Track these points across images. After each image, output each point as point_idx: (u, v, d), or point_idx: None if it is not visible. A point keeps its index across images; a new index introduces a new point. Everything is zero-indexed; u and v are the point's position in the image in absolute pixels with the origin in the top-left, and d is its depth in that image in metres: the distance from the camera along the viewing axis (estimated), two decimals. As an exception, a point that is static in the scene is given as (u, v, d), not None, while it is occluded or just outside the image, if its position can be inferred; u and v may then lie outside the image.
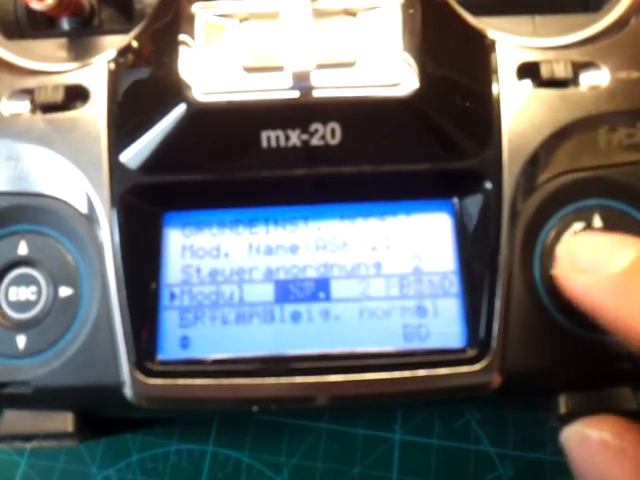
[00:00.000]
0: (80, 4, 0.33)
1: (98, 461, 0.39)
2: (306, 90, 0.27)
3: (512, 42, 0.31)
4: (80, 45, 0.33)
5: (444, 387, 0.28)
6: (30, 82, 0.31)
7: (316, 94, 0.28)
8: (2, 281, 0.30)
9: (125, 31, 0.32)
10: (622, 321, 0.24)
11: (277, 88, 0.28)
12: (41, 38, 0.33)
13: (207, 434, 0.39)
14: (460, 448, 0.38)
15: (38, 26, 0.34)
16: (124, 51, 0.31)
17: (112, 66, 0.31)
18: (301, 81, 0.27)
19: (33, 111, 0.31)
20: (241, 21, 0.30)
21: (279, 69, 0.28)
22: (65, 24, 0.34)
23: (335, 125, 0.28)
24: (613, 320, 0.25)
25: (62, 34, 0.34)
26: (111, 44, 0.32)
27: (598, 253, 0.25)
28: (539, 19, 0.32)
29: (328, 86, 0.28)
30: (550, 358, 0.28)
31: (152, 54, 0.31)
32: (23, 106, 0.31)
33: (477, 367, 0.28)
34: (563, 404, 0.29)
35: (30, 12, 0.33)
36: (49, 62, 0.32)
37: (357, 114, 0.28)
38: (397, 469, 0.38)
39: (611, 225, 0.30)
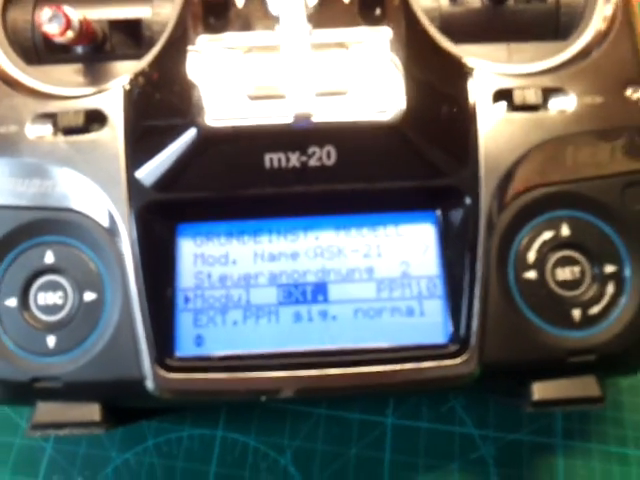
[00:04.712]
0: (95, 33, 0.35)
1: (117, 446, 0.42)
2: (305, 120, 0.30)
3: (488, 69, 0.34)
4: (95, 70, 0.35)
5: (429, 378, 0.32)
6: (51, 107, 0.34)
7: (313, 120, 0.31)
8: (31, 287, 0.33)
9: (136, 56, 0.35)
10: None
11: (279, 115, 0.31)
12: (58, 63, 0.36)
13: (216, 420, 0.42)
14: (446, 430, 0.42)
15: (54, 51, 0.36)
16: (137, 78, 0.34)
17: (127, 92, 0.34)
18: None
19: (55, 134, 0.33)
20: (245, 52, 0.32)
21: (280, 97, 0.31)
22: (79, 49, 0.36)
23: (330, 148, 0.31)
24: None
25: (77, 59, 0.36)
26: (123, 69, 0.35)
27: None
28: (514, 46, 0.35)
29: (324, 113, 0.31)
30: (523, 351, 0.32)
31: (163, 81, 0.33)
32: (46, 129, 0.34)
33: (458, 360, 0.31)
34: (535, 392, 0.32)
35: (47, 38, 0.36)
36: (68, 87, 0.35)
37: (350, 138, 0.31)
38: (389, 450, 0.41)
39: (577, 233, 0.33)
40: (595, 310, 0.32)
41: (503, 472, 0.40)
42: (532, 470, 0.41)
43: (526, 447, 0.41)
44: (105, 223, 0.33)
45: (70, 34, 0.33)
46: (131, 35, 0.36)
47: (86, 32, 0.34)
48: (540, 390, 0.32)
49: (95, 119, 0.34)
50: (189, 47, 0.33)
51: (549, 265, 0.33)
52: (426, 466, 0.41)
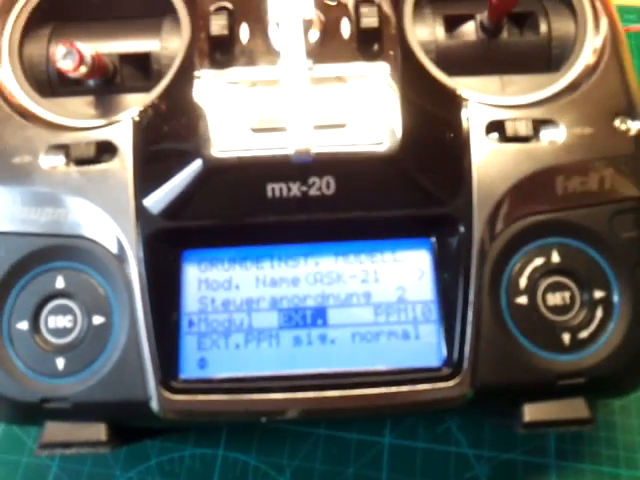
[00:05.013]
0: (106, 67, 0.37)
1: (121, 464, 0.43)
2: (305, 155, 0.31)
3: (482, 100, 0.36)
4: (106, 102, 0.37)
5: (423, 400, 0.33)
6: (64, 138, 0.35)
7: (313, 152, 0.32)
8: (42, 311, 0.34)
9: (145, 89, 0.37)
10: None
11: (280, 147, 0.32)
12: (71, 95, 0.38)
13: (218, 440, 0.43)
14: (442, 450, 0.43)
15: (67, 83, 0.38)
16: (146, 110, 0.36)
17: (136, 123, 0.35)
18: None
19: (67, 164, 0.35)
20: (249, 87, 0.34)
21: (282, 130, 0.32)
22: (91, 81, 0.38)
23: (330, 178, 0.33)
24: None
25: (89, 91, 0.38)
26: (133, 102, 0.37)
27: None
28: (506, 78, 0.37)
29: (323, 145, 0.32)
30: (514, 374, 0.33)
31: (171, 114, 0.35)
32: (59, 160, 0.35)
33: (451, 383, 0.32)
34: (526, 413, 0.33)
35: (60, 71, 0.37)
36: (80, 119, 0.36)
37: (348, 169, 0.33)
38: (386, 469, 0.42)
39: (567, 260, 0.34)
40: (584, 334, 0.34)
41: (497, 491, 0.41)
42: (526, 490, 0.42)
43: (520, 467, 0.42)
44: (114, 249, 0.34)
45: (83, 69, 0.34)
46: (140, 68, 0.38)
47: (98, 66, 0.36)
48: (531, 412, 0.33)
49: (106, 150, 0.35)
50: (196, 81, 0.34)
51: (540, 291, 0.34)
52: (422, 485, 0.42)
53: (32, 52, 0.38)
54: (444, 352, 0.33)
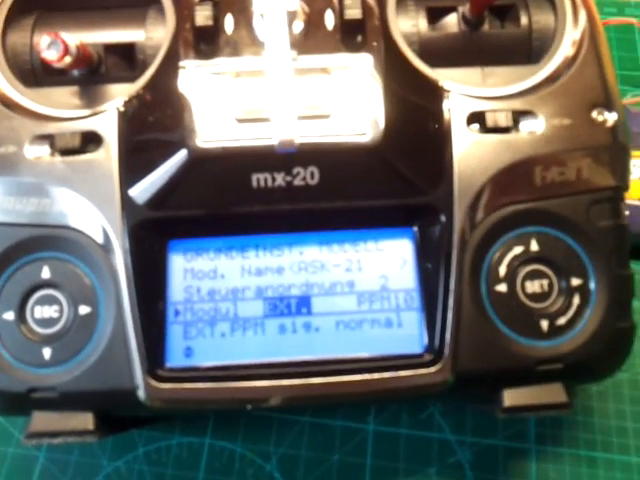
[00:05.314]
0: (91, 57, 0.37)
1: (108, 454, 0.43)
2: (289, 146, 0.32)
3: (463, 92, 0.36)
4: (91, 93, 0.37)
5: (406, 386, 0.33)
6: (49, 128, 0.35)
7: (297, 142, 0.32)
8: (28, 301, 0.34)
9: (130, 79, 0.37)
10: None
11: (265, 137, 0.33)
12: (55, 85, 0.38)
13: (204, 428, 0.44)
14: (425, 436, 0.43)
15: (52, 73, 0.38)
16: (131, 100, 0.36)
17: (121, 114, 0.35)
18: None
19: (52, 154, 0.35)
20: (233, 77, 0.34)
21: (267, 120, 0.33)
22: (75, 71, 0.38)
23: (314, 168, 0.33)
24: None
25: (73, 81, 0.38)
26: (117, 92, 0.37)
27: None
28: (487, 70, 0.38)
29: (307, 135, 0.33)
30: (494, 360, 0.34)
31: (156, 104, 0.35)
32: (43, 150, 0.35)
33: (433, 369, 0.33)
34: (505, 398, 0.34)
35: (45, 61, 0.37)
36: (64, 109, 0.36)
37: (332, 159, 0.33)
38: (371, 456, 0.43)
39: (545, 248, 0.35)
40: (562, 321, 0.34)
41: (479, 476, 0.42)
42: (506, 474, 0.42)
43: (501, 452, 0.43)
44: (100, 240, 0.34)
45: (68, 60, 0.34)
46: (125, 58, 0.38)
47: (83, 57, 0.35)
48: (510, 397, 0.34)
49: (91, 140, 0.35)
50: (181, 71, 0.34)
51: (519, 278, 0.35)
52: (406, 471, 0.43)
53: (15, 41, 0.38)
54: (426, 339, 0.34)
